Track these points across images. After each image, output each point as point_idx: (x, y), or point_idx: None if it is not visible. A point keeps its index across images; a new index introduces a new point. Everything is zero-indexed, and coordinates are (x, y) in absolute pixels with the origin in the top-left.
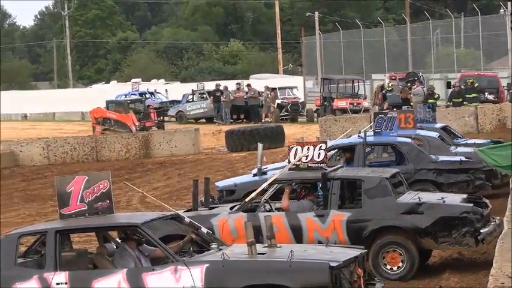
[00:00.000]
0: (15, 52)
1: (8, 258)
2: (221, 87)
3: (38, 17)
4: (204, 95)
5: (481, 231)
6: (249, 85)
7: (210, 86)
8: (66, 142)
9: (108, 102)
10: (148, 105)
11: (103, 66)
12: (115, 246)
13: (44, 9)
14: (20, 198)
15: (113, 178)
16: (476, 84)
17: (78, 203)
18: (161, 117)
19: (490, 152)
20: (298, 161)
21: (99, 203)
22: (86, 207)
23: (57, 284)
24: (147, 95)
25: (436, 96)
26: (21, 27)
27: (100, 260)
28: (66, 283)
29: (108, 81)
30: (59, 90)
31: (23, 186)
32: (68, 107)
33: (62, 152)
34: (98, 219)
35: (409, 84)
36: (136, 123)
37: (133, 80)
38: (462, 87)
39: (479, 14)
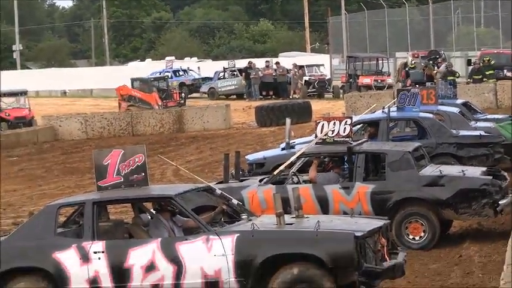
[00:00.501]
0: (55, 31)
1: (48, 228)
2: (258, 66)
3: None
4: (235, 73)
5: (500, 202)
6: (277, 63)
7: (240, 64)
8: (103, 117)
9: (133, 80)
10: (182, 83)
11: (138, 44)
12: (150, 217)
13: None
14: (59, 171)
15: (147, 152)
16: (492, 62)
17: (114, 176)
18: (183, 98)
19: (509, 127)
20: (325, 135)
21: (135, 176)
22: (122, 180)
23: (95, 252)
24: (181, 72)
25: (457, 75)
26: (60, 7)
27: (135, 230)
28: (103, 252)
29: (143, 59)
30: (96, 68)
31: (62, 160)
32: (105, 84)
33: (99, 127)
34: (133, 191)
35: (431, 62)
36: (159, 103)
37: (167, 58)
38: (481, 64)
39: None
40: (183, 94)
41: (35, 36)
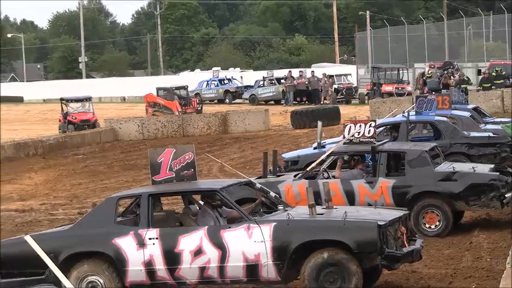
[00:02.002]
0: (116, 45)
1: (108, 217)
2: (293, 75)
3: (135, 15)
4: (273, 81)
5: (506, 195)
6: (313, 72)
7: (278, 73)
8: (157, 120)
9: (158, 89)
10: (226, 90)
11: (189, 56)
12: (198, 208)
13: (140, 10)
14: (119, 167)
15: (196, 150)
16: (503, 72)
17: (167, 171)
18: (200, 105)
19: None
20: (352, 136)
21: (185, 171)
22: (173, 175)
23: (150, 239)
24: (225, 81)
25: (470, 82)
26: (120, 24)
27: (185, 219)
28: (157, 238)
29: (193, 70)
30: (151, 77)
31: (122, 157)
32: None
33: (154, 129)
34: (183, 184)
35: (446, 72)
36: (179, 109)
37: (213, 68)
38: (493, 74)
39: (506, 12)
40: (200, 102)
41: (98, 50)
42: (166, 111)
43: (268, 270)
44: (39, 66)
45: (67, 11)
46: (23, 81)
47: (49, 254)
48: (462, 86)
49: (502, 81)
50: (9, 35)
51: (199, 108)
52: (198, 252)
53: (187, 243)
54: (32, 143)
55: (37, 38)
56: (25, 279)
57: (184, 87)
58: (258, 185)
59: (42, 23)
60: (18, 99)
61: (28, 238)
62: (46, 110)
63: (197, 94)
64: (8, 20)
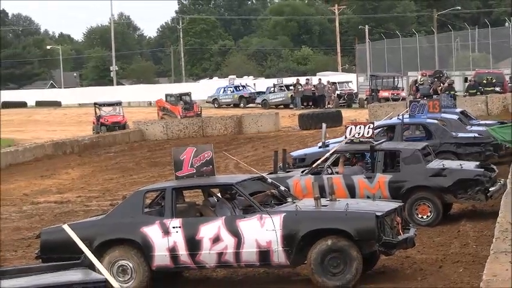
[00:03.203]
0: (143, 56)
1: (137, 208)
2: (300, 82)
3: (160, 29)
4: (283, 88)
5: (490, 189)
6: (319, 79)
7: (286, 81)
8: (180, 123)
9: (167, 95)
10: (241, 96)
11: (207, 66)
12: (216, 200)
13: (164, 24)
14: (146, 164)
15: (214, 149)
16: (493, 80)
17: (189, 168)
18: (200, 110)
19: (498, 130)
20: (353, 136)
21: (204, 168)
22: (194, 171)
23: (173, 227)
24: (240, 87)
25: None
26: (147, 37)
27: (205, 210)
28: (180, 227)
29: (211, 77)
30: (174, 84)
31: (148, 155)
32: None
33: (177, 130)
34: (203, 179)
35: (436, 80)
36: (181, 113)
37: (229, 77)
38: (484, 81)
39: (489, 27)
40: (200, 107)
41: (127, 60)
42: (172, 115)
43: (279, 255)
44: (75, 74)
45: (100, 25)
46: (61, 88)
47: (84, 240)
48: (450, 92)
49: (492, 88)
50: (48, 47)
51: (199, 112)
52: (217, 239)
53: (206, 231)
54: (69, 143)
55: (73, 49)
56: (63, 263)
57: (188, 94)
58: (269, 180)
59: (78, 36)
60: (57, 104)
61: (66, 227)
62: (81, 113)
63: (215, 99)
64: (47, 33)
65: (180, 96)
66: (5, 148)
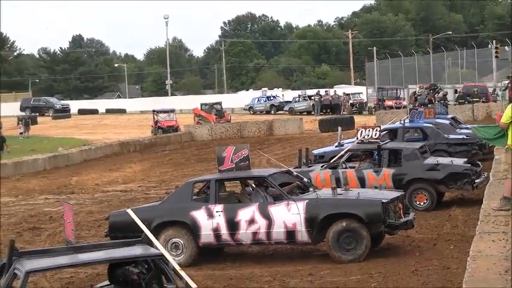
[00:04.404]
0: (192, 72)
1: (187, 196)
2: (320, 93)
3: (206, 50)
4: (306, 98)
5: (476, 181)
6: (335, 91)
7: (309, 92)
8: (222, 126)
9: (202, 104)
10: (272, 104)
11: (245, 80)
12: (251, 189)
13: (210, 46)
14: (194, 160)
15: (250, 148)
16: (478, 92)
17: (229, 163)
18: (230, 117)
19: (480, 129)
20: (363, 138)
21: (242, 163)
22: (234, 166)
23: (217, 211)
24: (271, 98)
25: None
26: (195, 56)
27: (242, 197)
28: (222, 211)
29: (247, 89)
30: (218, 95)
31: (196, 153)
32: (224, 105)
33: (220, 132)
34: (241, 172)
35: (431, 91)
36: (214, 120)
37: (262, 89)
38: (471, 93)
39: (475, 48)
40: (230, 115)
41: (180, 75)
42: (206, 121)
43: (302, 234)
44: (137, 87)
45: (157, 47)
46: (126, 98)
47: (144, 222)
48: (444, 101)
49: (477, 99)
50: (116, 65)
51: (228, 119)
52: (252, 221)
53: (243, 215)
54: (132, 143)
55: (136, 66)
56: (127, 240)
57: (219, 103)
58: (295, 173)
59: (140, 55)
60: (122, 111)
61: (129, 211)
62: (142, 118)
63: (251, 107)
64: (115, 53)
65: (212, 105)
66: (80, 147)
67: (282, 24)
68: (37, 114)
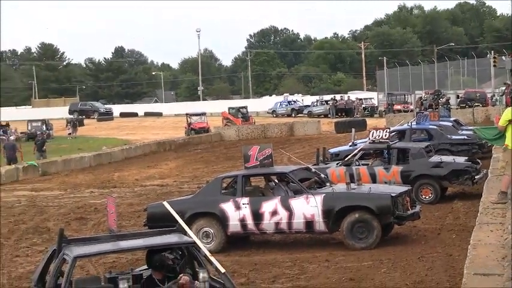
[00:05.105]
0: (221, 79)
1: (216, 190)
2: (336, 98)
3: (234, 60)
4: (323, 102)
5: (476, 177)
6: (349, 96)
7: (326, 97)
8: (248, 128)
9: (229, 108)
10: (292, 108)
11: (268, 86)
12: (274, 184)
13: (237, 56)
14: (223, 158)
15: (273, 147)
16: (478, 97)
17: (254, 161)
18: (254, 121)
19: (481, 130)
20: (374, 138)
21: (265, 161)
22: (258, 163)
23: (243, 204)
24: (292, 102)
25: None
26: (224, 65)
27: (266, 191)
28: (248, 203)
29: (271, 95)
30: (245, 100)
31: (225, 152)
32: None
33: (246, 133)
34: (264, 169)
35: (435, 97)
36: (240, 123)
37: (284, 94)
38: (476, 97)
39: (475, 58)
40: (254, 119)
41: (210, 82)
42: (233, 124)
43: (320, 224)
44: (172, 92)
45: (190, 57)
46: (162, 103)
47: (178, 213)
48: (447, 105)
49: (478, 104)
50: (153, 73)
51: (254, 122)
52: (274, 212)
53: (267, 207)
54: (168, 142)
55: (171, 74)
56: (163, 229)
57: (245, 107)
58: (313, 170)
59: (175, 65)
60: (159, 114)
61: (165, 203)
62: (176, 121)
63: (273, 110)
64: (153, 63)
65: (238, 109)
66: (122, 146)
67: (301, 36)
68: (84, 117)
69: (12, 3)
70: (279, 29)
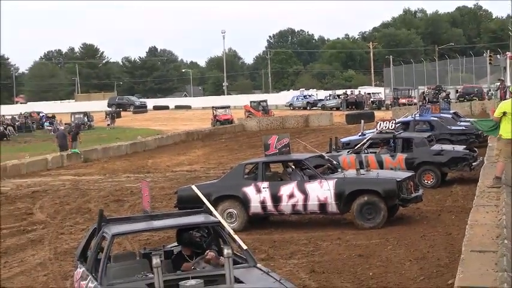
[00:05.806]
0: (244, 76)
1: (239, 175)
2: (347, 93)
3: (255, 58)
4: (335, 97)
5: (473, 164)
6: (359, 91)
7: (338, 92)
8: (267, 119)
9: (251, 102)
10: (308, 102)
11: (286, 82)
12: (291, 170)
13: (258, 55)
14: (246, 146)
15: (290, 136)
16: (476, 91)
17: (273, 149)
18: (273, 113)
19: (479, 122)
20: (381, 129)
21: (283, 149)
22: (277, 151)
23: (263, 187)
24: (307, 96)
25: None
26: (247, 63)
27: (283, 176)
28: (267, 187)
29: (288, 90)
30: (264, 94)
31: (247, 141)
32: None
33: (266, 124)
34: (282, 156)
35: (436, 91)
36: (260, 115)
37: (300, 89)
38: (475, 91)
39: (473, 56)
40: (273, 112)
41: (234, 78)
42: (254, 116)
43: (332, 206)
44: (200, 88)
45: (216, 56)
46: (191, 97)
47: (205, 196)
48: (447, 99)
49: (475, 98)
50: (183, 70)
51: (273, 115)
52: (291, 195)
53: (285, 190)
54: (196, 132)
55: (199, 71)
56: (192, 210)
57: (265, 101)
58: (326, 157)
59: (202, 63)
60: (188, 107)
61: (193, 187)
62: (204, 113)
63: (291, 104)
64: (182, 61)
65: (259, 103)
66: (155, 136)
67: (316, 37)
68: (121, 109)
69: (60, 4)
70: (296, 31)
